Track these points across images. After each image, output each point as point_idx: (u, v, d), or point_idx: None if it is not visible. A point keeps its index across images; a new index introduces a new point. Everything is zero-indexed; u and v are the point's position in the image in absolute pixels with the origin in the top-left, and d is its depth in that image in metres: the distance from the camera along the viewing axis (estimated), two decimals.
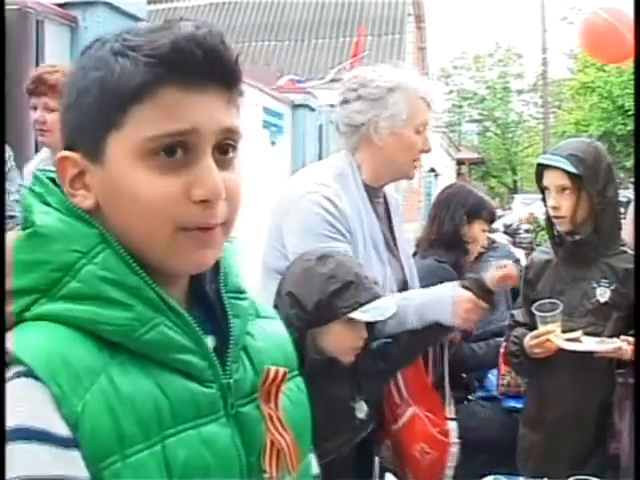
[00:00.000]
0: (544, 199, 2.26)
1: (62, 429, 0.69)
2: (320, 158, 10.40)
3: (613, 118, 18.47)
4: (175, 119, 0.74)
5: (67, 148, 0.79)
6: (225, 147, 0.78)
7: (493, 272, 2.02)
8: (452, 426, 2.28)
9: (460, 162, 27.85)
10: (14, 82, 3.09)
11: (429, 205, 6.88)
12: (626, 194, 6.30)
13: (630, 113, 16.38)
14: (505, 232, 7.82)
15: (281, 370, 0.84)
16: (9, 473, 0.66)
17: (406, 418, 2.19)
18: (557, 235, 2.24)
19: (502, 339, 2.76)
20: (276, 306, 1.68)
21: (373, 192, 2.06)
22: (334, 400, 1.69)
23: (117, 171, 0.75)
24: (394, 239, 2.16)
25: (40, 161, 2.80)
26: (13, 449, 0.67)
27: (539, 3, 25.52)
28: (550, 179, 2.20)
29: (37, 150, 3.38)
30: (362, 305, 1.66)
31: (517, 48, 33.45)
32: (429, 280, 2.23)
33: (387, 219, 2.16)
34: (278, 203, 2.03)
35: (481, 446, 2.49)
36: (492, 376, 3.04)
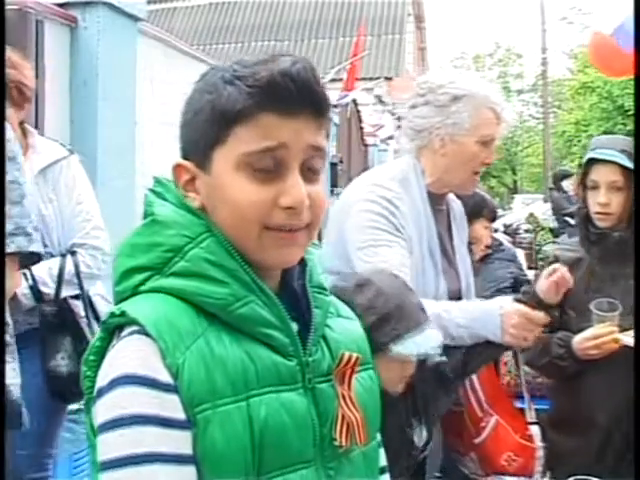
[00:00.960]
0: (584, 196, 2.21)
1: (166, 377, 0.83)
2: None
3: (613, 118, 18.45)
4: (268, 138, 0.88)
5: (183, 157, 0.95)
6: (312, 164, 0.92)
7: (542, 280, 1.93)
8: (535, 430, 2.25)
9: None
10: None
11: None
12: None
13: (630, 113, 16.37)
14: (505, 232, 7.82)
15: (354, 355, 0.96)
16: (121, 411, 0.82)
17: (490, 429, 2.17)
18: (595, 232, 2.18)
19: None
20: None
21: (435, 199, 2.03)
22: (387, 428, 1.62)
23: (220, 179, 0.91)
24: (453, 248, 2.11)
25: None
26: (125, 391, 0.82)
27: (539, 3, 25.55)
28: (602, 174, 2.15)
29: None
30: (403, 337, 1.55)
31: (517, 48, 33.49)
32: None
33: (447, 227, 2.12)
34: (340, 206, 2.02)
35: None
36: None
